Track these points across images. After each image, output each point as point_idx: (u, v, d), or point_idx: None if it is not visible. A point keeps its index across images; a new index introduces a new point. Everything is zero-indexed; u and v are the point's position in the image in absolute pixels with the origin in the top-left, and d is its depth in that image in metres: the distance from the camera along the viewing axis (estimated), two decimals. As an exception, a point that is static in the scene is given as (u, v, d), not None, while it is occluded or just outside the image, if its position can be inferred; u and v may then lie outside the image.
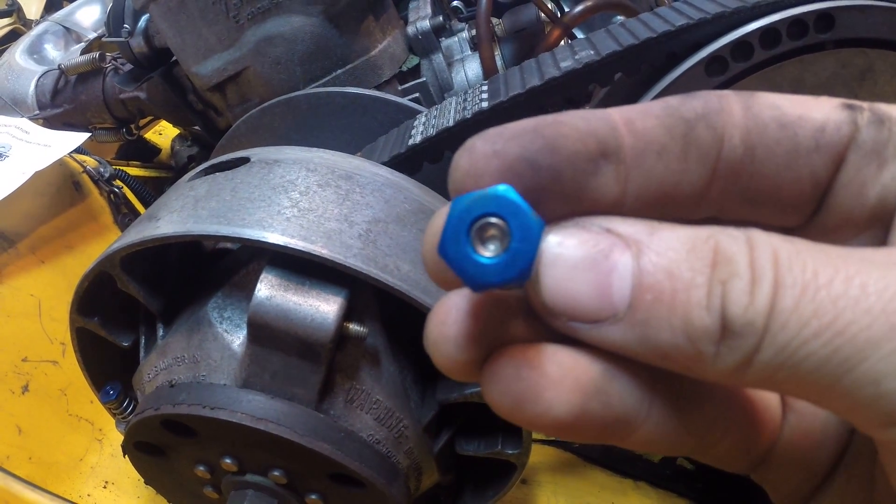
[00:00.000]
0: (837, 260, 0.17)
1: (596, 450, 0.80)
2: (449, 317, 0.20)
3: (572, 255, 0.18)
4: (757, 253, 0.18)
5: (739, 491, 0.71)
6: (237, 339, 0.49)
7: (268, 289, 0.45)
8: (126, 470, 0.72)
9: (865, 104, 0.22)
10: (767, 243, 0.18)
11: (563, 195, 0.20)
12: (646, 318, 0.18)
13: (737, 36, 0.53)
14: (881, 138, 0.21)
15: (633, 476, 0.80)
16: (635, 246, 0.18)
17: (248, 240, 0.44)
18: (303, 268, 0.45)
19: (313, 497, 0.51)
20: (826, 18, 0.54)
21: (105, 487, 0.75)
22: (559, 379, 0.19)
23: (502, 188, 0.17)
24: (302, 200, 0.47)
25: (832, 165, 0.22)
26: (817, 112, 0.21)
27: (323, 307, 0.44)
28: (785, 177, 0.21)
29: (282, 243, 0.44)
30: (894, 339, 0.16)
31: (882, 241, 0.22)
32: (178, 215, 0.48)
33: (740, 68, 0.54)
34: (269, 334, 0.45)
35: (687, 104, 0.21)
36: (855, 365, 0.16)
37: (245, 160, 0.54)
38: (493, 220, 0.16)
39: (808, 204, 0.22)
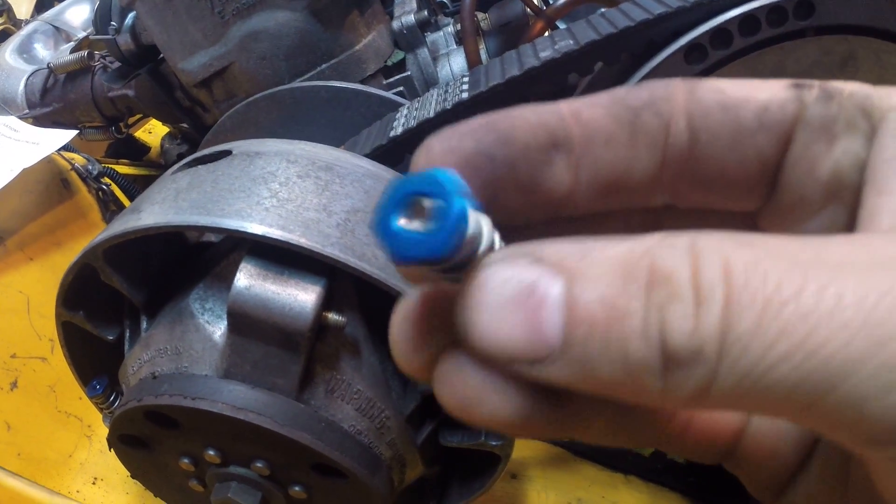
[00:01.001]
0: (806, 266, 0.15)
1: (586, 444, 0.80)
2: (404, 316, 0.19)
3: (498, 296, 0.17)
4: (703, 266, 0.15)
5: (730, 485, 0.71)
6: (218, 329, 0.49)
7: (247, 278, 0.45)
8: (115, 466, 0.72)
9: (816, 82, 0.21)
10: (717, 252, 0.16)
11: (519, 186, 0.20)
12: (582, 353, 0.16)
13: (716, 23, 0.53)
14: (829, 113, 0.21)
15: (624, 470, 0.80)
16: (566, 273, 0.16)
17: (227, 230, 0.44)
18: (282, 257, 0.46)
19: (297, 489, 0.51)
20: (806, 5, 0.54)
21: (94, 483, 0.75)
22: (503, 380, 0.18)
23: (440, 171, 0.16)
24: (281, 191, 0.48)
25: (778, 144, 0.21)
26: (762, 93, 0.21)
27: (301, 296, 0.45)
28: (731, 158, 0.21)
29: (260, 233, 0.44)
30: (877, 355, 0.14)
31: (843, 219, 0.22)
32: (160, 207, 0.48)
33: (720, 56, 0.54)
34: (248, 324, 0.45)
35: (633, 93, 0.21)
36: (834, 387, 0.14)
37: (227, 153, 0.54)
38: (424, 199, 0.16)
39: (760, 185, 0.22)
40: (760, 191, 0.22)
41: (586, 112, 0.21)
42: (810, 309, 0.15)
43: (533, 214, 0.22)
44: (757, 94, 0.21)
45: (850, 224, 0.21)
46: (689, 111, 0.21)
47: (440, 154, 0.19)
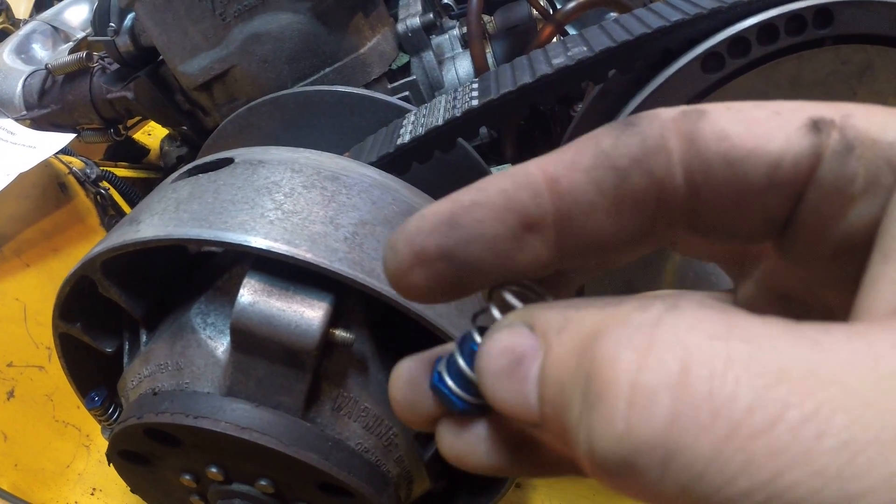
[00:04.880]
0: (792, 381, 0.13)
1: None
2: (406, 380, 0.21)
3: (497, 366, 0.17)
4: (650, 363, 0.13)
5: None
6: (221, 345, 0.48)
7: (251, 294, 0.44)
8: (113, 476, 0.71)
9: (839, 118, 0.18)
10: (677, 346, 0.13)
11: (490, 273, 0.20)
12: (552, 432, 0.16)
13: (734, 31, 0.51)
14: (847, 172, 0.18)
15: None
16: (545, 347, 0.17)
17: (229, 243, 0.43)
18: (287, 272, 0.44)
19: (301, 507, 0.50)
20: (825, 14, 0.53)
21: (93, 494, 0.74)
22: (486, 440, 0.20)
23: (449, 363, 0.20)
24: (286, 202, 0.46)
25: (788, 203, 0.19)
26: (774, 141, 0.18)
27: (308, 313, 0.43)
28: (734, 215, 0.19)
29: (264, 247, 0.42)
30: None
31: (852, 277, 0.19)
32: (160, 218, 0.47)
33: (737, 65, 0.53)
34: (252, 341, 0.44)
35: (621, 147, 0.19)
36: None
37: (229, 161, 0.52)
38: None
39: (765, 236, 0.20)
40: (767, 238, 0.20)
41: (565, 180, 0.19)
42: (784, 446, 0.12)
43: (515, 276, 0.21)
44: (768, 145, 0.18)
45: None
46: (687, 165, 0.19)
47: (407, 261, 0.19)
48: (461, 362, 0.20)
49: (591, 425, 0.14)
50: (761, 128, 0.18)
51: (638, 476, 0.13)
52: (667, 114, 0.19)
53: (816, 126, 0.18)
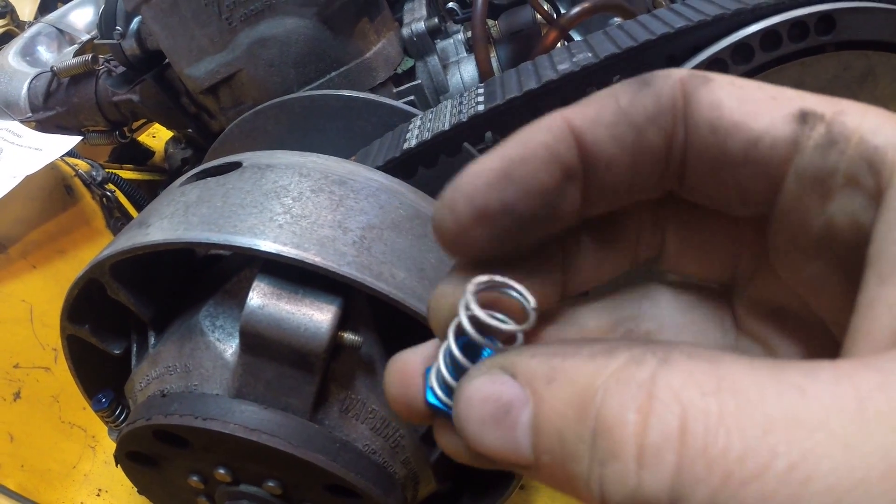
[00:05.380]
0: (779, 429, 0.13)
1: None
2: (399, 379, 0.22)
3: (480, 414, 0.18)
4: (653, 422, 0.14)
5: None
6: (230, 347, 0.48)
7: (260, 297, 0.44)
8: (120, 477, 0.71)
9: (830, 113, 0.18)
10: (675, 403, 0.14)
11: (543, 223, 0.20)
12: (549, 474, 0.17)
13: (737, 38, 0.52)
14: (826, 165, 0.18)
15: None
16: (534, 397, 0.17)
17: (239, 247, 0.43)
18: (296, 276, 0.45)
19: (308, 508, 0.50)
20: (827, 20, 0.53)
21: (98, 495, 0.74)
22: None
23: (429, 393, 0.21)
24: (295, 206, 0.47)
25: (764, 185, 0.19)
26: (758, 121, 0.19)
27: (316, 316, 0.44)
28: (712, 183, 0.20)
29: (274, 251, 0.43)
30: None
31: (838, 273, 0.20)
32: (169, 222, 0.47)
33: (740, 71, 0.53)
34: (261, 344, 0.44)
35: (638, 105, 0.20)
36: None
37: (237, 165, 0.53)
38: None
39: (748, 210, 0.21)
40: (753, 211, 0.21)
41: (589, 135, 0.20)
42: (773, 491, 0.13)
43: (545, 236, 0.21)
44: (751, 122, 0.19)
45: (846, 278, 0.19)
46: (685, 124, 0.20)
47: (469, 221, 0.20)
48: (448, 377, 0.20)
49: (603, 480, 0.15)
50: (752, 107, 0.19)
51: None
52: (678, 73, 0.20)
53: (804, 117, 0.19)
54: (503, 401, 0.17)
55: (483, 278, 0.20)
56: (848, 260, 0.19)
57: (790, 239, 0.20)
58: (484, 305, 0.20)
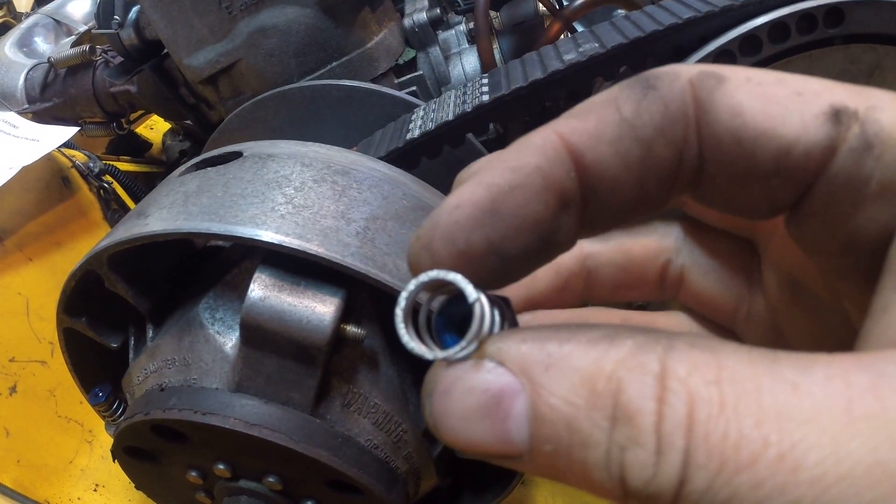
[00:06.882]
0: (773, 419, 0.14)
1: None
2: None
3: (463, 405, 0.16)
4: (668, 411, 0.14)
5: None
6: (229, 340, 0.47)
7: (261, 289, 0.43)
8: (117, 472, 0.70)
9: (863, 109, 0.17)
10: (684, 391, 0.14)
11: (536, 258, 0.19)
12: (548, 463, 0.16)
13: (745, 30, 0.51)
14: (861, 172, 0.17)
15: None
16: (531, 385, 0.16)
17: (240, 238, 0.43)
18: (298, 267, 0.44)
19: (309, 503, 0.49)
20: (836, 13, 0.53)
21: (95, 490, 0.73)
22: None
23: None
24: (297, 196, 0.46)
25: (794, 191, 0.18)
26: (789, 125, 0.17)
27: (319, 308, 0.43)
28: (737, 193, 0.19)
29: (276, 241, 0.42)
30: None
31: (860, 274, 0.19)
32: (168, 212, 0.46)
33: (748, 63, 0.52)
34: (262, 336, 0.44)
35: (644, 115, 0.18)
36: None
37: (238, 154, 0.52)
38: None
39: (769, 216, 0.20)
40: (772, 217, 0.20)
41: (590, 155, 0.18)
42: (763, 479, 0.13)
43: (536, 267, 0.20)
44: (781, 128, 0.17)
45: (864, 279, 0.18)
46: (700, 135, 0.18)
47: (448, 259, 0.17)
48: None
49: (625, 465, 0.15)
50: (778, 108, 0.17)
51: (659, 503, 0.15)
52: (686, 73, 0.18)
53: (837, 116, 0.17)
54: (492, 391, 0.16)
55: (412, 286, 0.18)
56: (870, 261, 0.18)
57: (811, 241, 0.19)
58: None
